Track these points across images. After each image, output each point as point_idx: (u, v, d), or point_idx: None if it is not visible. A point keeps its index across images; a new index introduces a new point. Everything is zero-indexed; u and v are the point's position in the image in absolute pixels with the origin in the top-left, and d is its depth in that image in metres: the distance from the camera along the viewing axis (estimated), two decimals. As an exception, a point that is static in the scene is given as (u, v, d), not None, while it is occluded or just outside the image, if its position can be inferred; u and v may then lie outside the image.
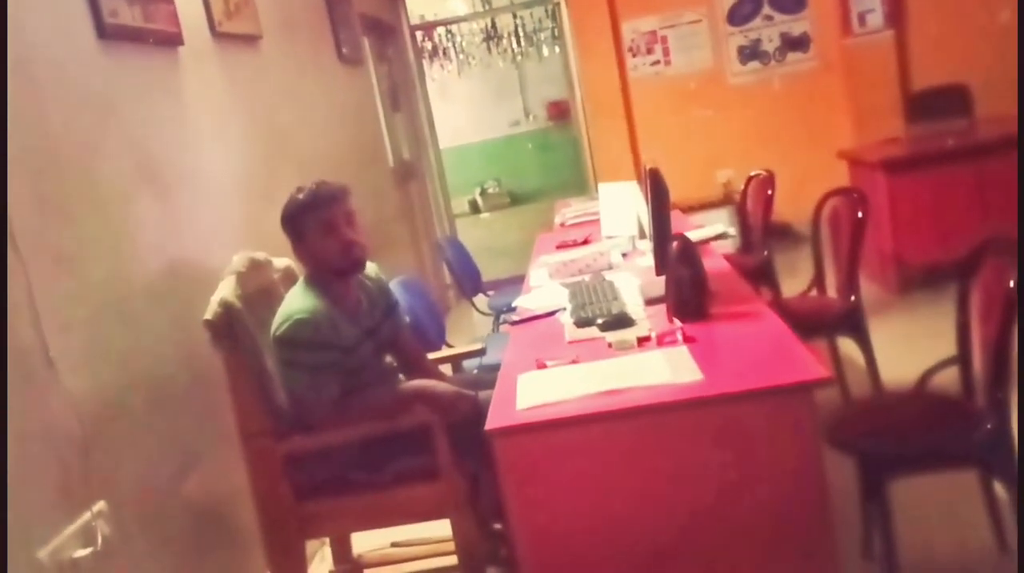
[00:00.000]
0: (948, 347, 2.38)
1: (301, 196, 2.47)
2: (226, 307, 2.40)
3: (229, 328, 2.40)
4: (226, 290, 2.46)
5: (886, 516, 2.16)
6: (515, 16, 10.69)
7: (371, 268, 2.68)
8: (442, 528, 2.54)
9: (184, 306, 2.62)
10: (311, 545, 2.89)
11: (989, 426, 2.08)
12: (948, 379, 2.38)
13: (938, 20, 6.15)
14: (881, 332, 3.61)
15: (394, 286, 2.88)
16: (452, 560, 2.59)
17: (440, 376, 2.83)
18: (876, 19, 6.34)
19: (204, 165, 3.02)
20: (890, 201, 4.92)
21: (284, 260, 2.86)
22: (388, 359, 2.75)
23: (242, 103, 3.46)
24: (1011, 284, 1.98)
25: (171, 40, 2.87)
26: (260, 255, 2.74)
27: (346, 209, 2.49)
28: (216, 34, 3.26)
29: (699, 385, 1.91)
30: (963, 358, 2.35)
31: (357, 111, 5.45)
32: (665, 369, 2.01)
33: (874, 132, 6.12)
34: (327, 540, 3.02)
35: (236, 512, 2.74)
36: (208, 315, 2.38)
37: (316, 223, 2.44)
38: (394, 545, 3.01)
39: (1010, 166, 4.30)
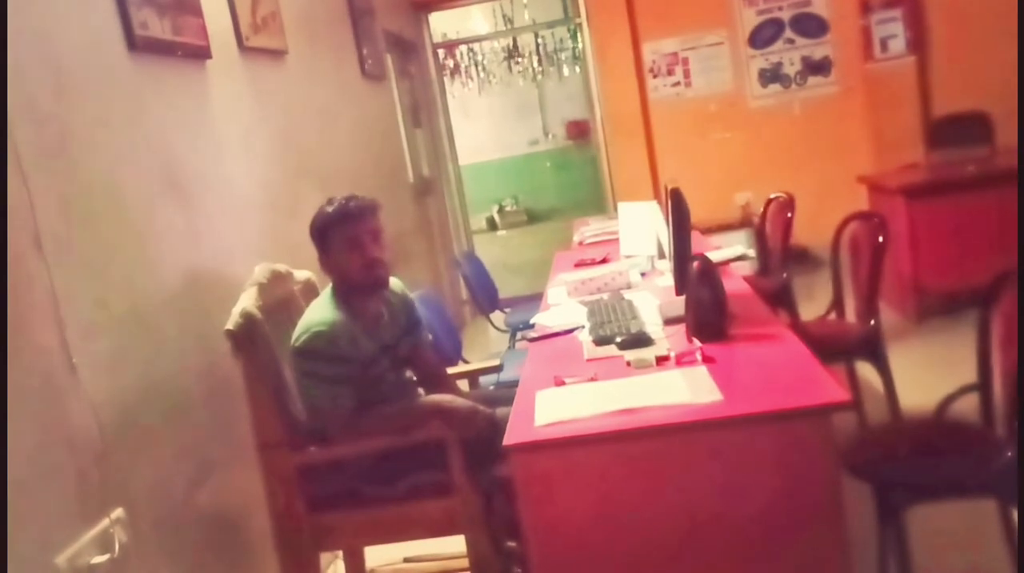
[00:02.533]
0: (967, 374, 2.36)
1: (330, 209, 2.48)
2: (247, 318, 2.42)
3: (249, 339, 2.42)
4: (247, 301, 2.48)
5: (902, 542, 2.14)
6: (537, 35, 10.73)
7: (395, 283, 2.69)
8: (455, 544, 2.54)
9: (204, 315, 2.64)
10: (324, 558, 2.89)
11: (1009, 455, 2.06)
12: (967, 406, 2.36)
13: (960, 47, 6.13)
14: (899, 358, 3.59)
15: (412, 300, 2.89)
16: (465, 577, 2.60)
17: (458, 392, 2.84)
18: (898, 45, 6.33)
19: (228, 176, 3.05)
20: (910, 227, 4.91)
21: (305, 272, 2.89)
22: (407, 373, 2.76)
23: (266, 116, 3.50)
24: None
25: (199, 53, 2.91)
26: (281, 267, 2.76)
27: (373, 227, 2.50)
28: (243, 48, 3.30)
29: (718, 406, 1.90)
30: (983, 386, 2.33)
31: (379, 126, 5.49)
32: (684, 389, 2.01)
33: (894, 158, 6.11)
34: (340, 553, 3.02)
35: (251, 522, 2.74)
36: (230, 325, 2.40)
37: (342, 238, 2.46)
38: (407, 560, 3.01)
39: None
